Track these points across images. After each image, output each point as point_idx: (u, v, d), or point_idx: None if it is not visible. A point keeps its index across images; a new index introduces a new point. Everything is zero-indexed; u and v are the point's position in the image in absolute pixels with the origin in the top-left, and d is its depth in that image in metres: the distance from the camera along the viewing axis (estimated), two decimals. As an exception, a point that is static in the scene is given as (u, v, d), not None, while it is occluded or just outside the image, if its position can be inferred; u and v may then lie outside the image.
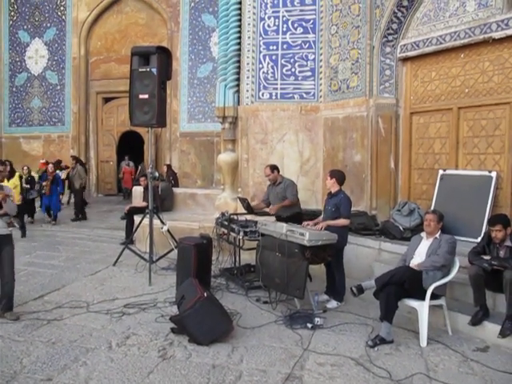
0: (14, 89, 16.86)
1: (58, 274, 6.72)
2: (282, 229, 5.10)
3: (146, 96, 6.44)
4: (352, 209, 5.82)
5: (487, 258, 4.32)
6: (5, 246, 4.84)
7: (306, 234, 4.75)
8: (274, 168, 6.75)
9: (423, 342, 4.28)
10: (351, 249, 6.10)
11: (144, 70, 6.46)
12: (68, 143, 16.49)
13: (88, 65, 16.39)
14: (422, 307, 4.31)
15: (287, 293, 5.12)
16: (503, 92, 5.90)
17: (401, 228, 6.27)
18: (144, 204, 8.52)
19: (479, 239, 5.65)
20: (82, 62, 16.21)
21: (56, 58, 16.38)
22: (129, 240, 7.94)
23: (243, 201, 6.83)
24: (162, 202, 9.35)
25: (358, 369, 3.81)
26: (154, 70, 6.40)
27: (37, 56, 16.52)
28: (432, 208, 6.18)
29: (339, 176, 5.57)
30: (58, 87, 16.47)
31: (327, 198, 5.72)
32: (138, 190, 9.82)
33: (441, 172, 6.51)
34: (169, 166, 13.38)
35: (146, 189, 8.65)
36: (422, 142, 6.94)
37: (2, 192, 4.75)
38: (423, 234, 4.78)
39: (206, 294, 4.34)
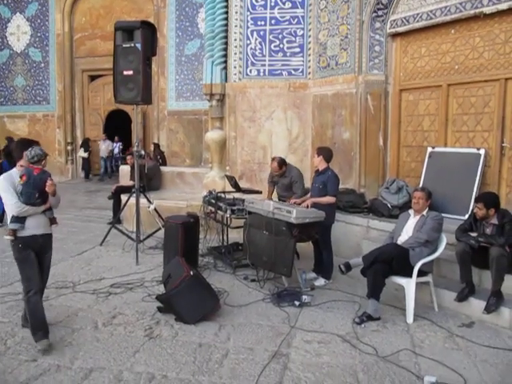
0: (-4, 66, 16.49)
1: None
2: (269, 206, 5.06)
3: (131, 72, 6.30)
4: (340, 186, 5.79)
5: (474, 234, 4.32)
6: (47, 250, 4.00)
7: (293, 212, 4.71)
8: (282, 163, 6.09)
9: (409, 318, 4.30)
10: (339, 227, 6.08)
11: (128, 45, 6.30)
12: (54, 122, 16.23)
13: (72, 42, 16.02)
14: (409, 284, 4.31)
15: (275, 271, 5.10)
16: (493, 68, 5.84)
17: (389, 206, 6.25)
18: (131, 183, 8.42)
19: (466, 216, 5.69)
20: (66, 38, 15.84)
21: (39, 34, 15.98)
22: (115, 219, 7.86)
23: (230, 179, 6.77)
24: (150, 181, 9.26)
25: (345, 346, 3.82)
26: (139, 46, 6.24)
27: (19, 32, 16.10)
28: (420, 185, 6.17)
29: (326, 153, 5.51)
30: (42, 65, 16.11)
31: (315, 175, 5.67)
32: (124, 169, 9.70)
33: (429, 149, 6.48)
34: (156, 145, 13.24)
35: (132, 168, 8.53)
36: (411, 119, 6.89)
37: (53, 182, 3.78)
38: (411, 212, 4.76)
39: (192, 273, 4.31)
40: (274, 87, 8.01)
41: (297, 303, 4.68)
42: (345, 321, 4.33)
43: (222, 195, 6.46)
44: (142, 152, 6.83)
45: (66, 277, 5.65)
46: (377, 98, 6.99)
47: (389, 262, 4.30)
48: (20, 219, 3.73)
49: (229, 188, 7.17)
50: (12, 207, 3.68)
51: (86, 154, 15.86)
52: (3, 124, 16.59)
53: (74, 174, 16.50)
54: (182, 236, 5.59)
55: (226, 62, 8.33)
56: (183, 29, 14.63)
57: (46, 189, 3.74)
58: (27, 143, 3.88)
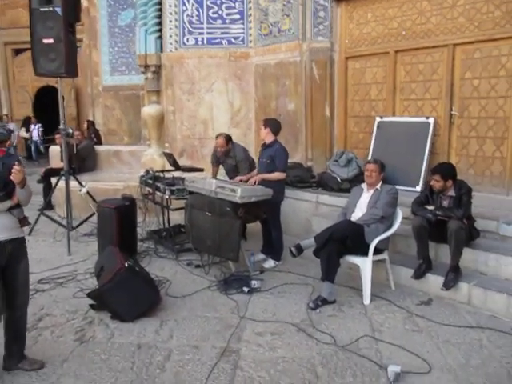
0: None
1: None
2: (211, 185, 4.62)
3: (51, 41, 5.59)
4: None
5: (431, 208, 4.07)
6: (21, 258, 3.02)
7: (238, 191, 4.30)
8: (229, 139, 5.67)
9: (366, 299, 4.03)
10: (288, 203, 5.74)
11: (46, 9, 5.57)
12: (-24, 101, 14.90)
13: (-8, 11, 14.62)
14: (365, 263, 4.03)
15: (220, 255, 4.70)
16: (441, 34, 5.60)
17: (338, 179, 5.97)
18: (61, 165, 7.68)
19: (417, 188, 5.52)
20: (-17, 8, 14.42)
21: (-48, 3, 14.46)
22: (45, 205, 7.14)
23: (169, 156, 6.23)
24: (83, 162, 8.57)
25: (300, 336, 3.49)
26: (59, 10, 5.53)
27: None
28: (369, 157, 5.92)
29: (273, 125, 5.10)
30: (-42, 37, 14.64)
31: (261, 149, 5.27)
32: (55, 150, 8.89)
33: (378, 119, 6.23)
34: (91, 123, 12.35)
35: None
36: (358, 88, 6.59)
37: (22, 168, 2.82)
38: (364, 186, 4.46)
39: (127, 264, 3.82)
40: (213, 57, 7.48)
41: (246, 289, 4.32)
42: (298, 306, 4.01)
43: (161, 175, 5.94)
44: (70, 130, 6.18)
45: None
46: (322, 67, 6.63)
47: (343, 241, 3.98)
48: None
49: (169, 166, 6.65)
50: None
51: (27, 135, 14.59)
52: None
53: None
54: (117, 221, 5.06)
55: (160, 30, 7.69)
56: (115, -3, 13.59)
57: (12, 177, 2.77)
58: None
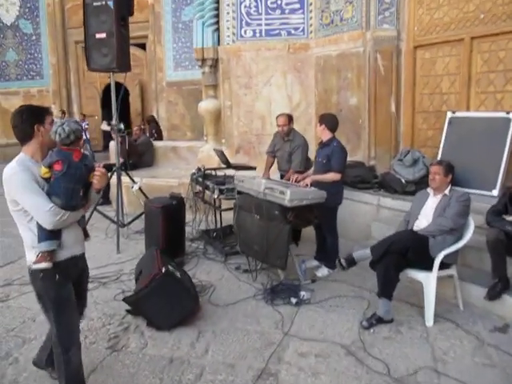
0: (-14, 41, 15.66)
1: (16, 244, 5.96)
2: (260, 186, 4.27)
3: (104, 35, 5.54)
4: (348, 159, 4.97)
5: (511, 219, 3.48)
6: (87, 272, 2.80)
7: (287, 193, 3.92)
8: (291, 118, 5.33)
9: (429, 320, 3.53)
10: (346, 205, 5.26)
11: (99, 3, 5.52)
12: (49, 98, 15.41)
13: (64, 12, 15.06)
14: (429, 280, 3.52)
15: (267, 262, 4.35)
16: (526, 15, 4.92)
17: (403, 181, 5.43)
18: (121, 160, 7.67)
19: (494, 192, 4.88)
20: (57, 8, 14.87)
21: (29, 4, 15.04)
22: (100, 201, 7.11)
23: (220, 153, 5.94)
24: (141, 157, 8.57)
25: (349, 360, 3.07)
26: (111, 4, 5.46)
27: (7, 3, 15.16)
28: (439, 157, 5.34)
29: (330, 121, 4.67)
30: (34, 37, 15.24)
31: (318, 147, 4.87)
32: (114, 145, 8.92)
33: (449, 115, 5.60)
34: (152, 118, 12.44)
35: (121, 143, 7.78)
36: (427, 80, 5.98)
37: (104, 170, 2.53)
38: (430, 190, 3.93)
39: (164, 270, 3.56)
40: (271, 49, 7.12)
41: (293, 301, 3.94)
42: (350, 324, 3.58)
43: (212, 172, 5.69)
44: (122, 126, 6.05)
45: (35, 270, 4.98)
46: (387, 57, 6.08)
47: (403, 254, 3.50)
48: (55, 234, 2.42)
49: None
50: (46, 216, 2.33)
51: (108, 128, 14.93)
52: (-3, 102, 15.88)
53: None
54: (163, 221, 4.85)
55: (218, 22, 7.44)
56: (179, -7, 13.61)
57: (94, 182, 2.47)
58: (39, 113, 2.46)
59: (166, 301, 3.52)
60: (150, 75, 14.30)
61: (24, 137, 2.42)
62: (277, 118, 5.37)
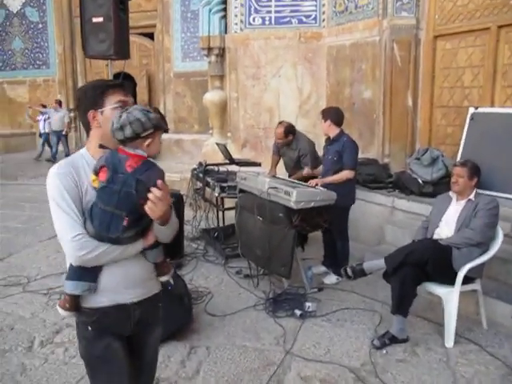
0: (-8, 28, 15.40)
1: (10, 239, 5.68)
2: (263, 185, 3.90)
3: (101, 19, 5.18)
4: (360, 156, 4.60)
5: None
6: (153, 327, 1.91)
7: (293, 193, 3.55)
8: (289, 131, 4.86)
9: (449, 341, 3.14)
10: (358, 205, 4.87)
11: (96, -16, 5.14)
12: (55, 88, 15.16)
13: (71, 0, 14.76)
14: (451, 295, 3.12)
15: (270, 269, 3.98)
16: (561, 2, 4.47)
17: (420, 181, 5.02)
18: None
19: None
20: (64, -5, 14.58)
21: (35, -8, 14.77)
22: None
23: (222, 147, 5.56)
24: (143, 151, 8.20)
25: (358, 388, 2.71)
26: (109, -15, 5.07)
27: (13, -10, 14.91)
28: (459, 156, 4.91)
29: (334, 114, 4.29)
30: (40, 26, 14.94)
31: (325, 145, 4.48)
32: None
33: (471, 110, 5.15)
34: (156, 110, 12.05)
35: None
36: (447, 72, 5.55)
37: (165, 195, 1.59)
38: (452, 194, 3.52)
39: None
40: (281, 38, 6.73)
41: (298, 313, 3.58)
42: (360, 342, 3.21)
43: (215, 168, 5.32)
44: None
45: (23, 269, 4.70)
46: (405, 48, 5.66)
47: (422, 265, 3.11)
48: (86, 273, 1.65)
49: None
50: (68, 247, 1.61)
51: None
52: (3, 90, 15.56)
53: (78, 143, 15.53)
54: (159, 221, 4.48)
55: (225, 9, 7.06)
56: (188, -20, 13.20)
57: (146, 209, 1.56)
58: (96, 94, 1.71)
59: (156, 312, 3.16)
60: (158, 66, 13.94)
61: (84, 126, 1.76)
62: (278, 123, 4.99)
